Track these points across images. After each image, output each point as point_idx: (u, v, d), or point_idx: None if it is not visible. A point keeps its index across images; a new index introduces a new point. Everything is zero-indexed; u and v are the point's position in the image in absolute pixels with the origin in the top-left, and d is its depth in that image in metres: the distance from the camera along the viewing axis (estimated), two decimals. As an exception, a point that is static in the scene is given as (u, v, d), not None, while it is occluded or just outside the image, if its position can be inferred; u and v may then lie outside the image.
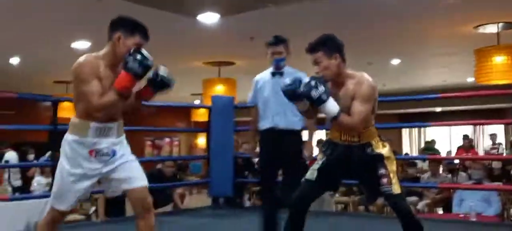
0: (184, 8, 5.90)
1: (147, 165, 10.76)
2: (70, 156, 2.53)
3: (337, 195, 7.92)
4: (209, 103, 7.66)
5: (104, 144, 2.54)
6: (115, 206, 5.34)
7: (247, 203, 7.53)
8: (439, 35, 7.38)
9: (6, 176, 8.47)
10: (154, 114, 14.03)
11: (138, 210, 2.60)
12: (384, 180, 2.75)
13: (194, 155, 15.40)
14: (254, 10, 5.90)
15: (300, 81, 2.79)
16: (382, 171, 2.76)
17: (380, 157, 2.78)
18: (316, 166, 2.90)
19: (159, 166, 6.65)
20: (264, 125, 3.75)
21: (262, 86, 3.85)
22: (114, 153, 2.56)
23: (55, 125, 4.74)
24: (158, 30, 6.59)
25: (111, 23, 2.61)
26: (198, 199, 8.89)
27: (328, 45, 2.80)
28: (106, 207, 5.11)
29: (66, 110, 9.33)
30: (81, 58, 2.55)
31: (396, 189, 2.74)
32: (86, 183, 2.55)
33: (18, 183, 8.39)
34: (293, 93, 2.81)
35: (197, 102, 13.04)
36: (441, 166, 8.01)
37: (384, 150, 2.80)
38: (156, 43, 7.21)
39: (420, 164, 9.44)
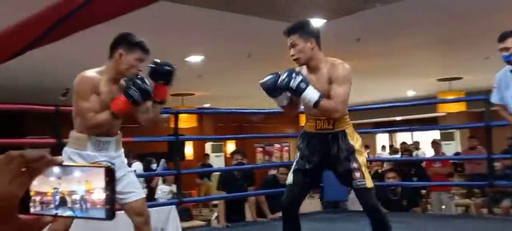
0: (290, 16, 5.99)
1: (258, 171, 11.03)
2: None
3: (456, 197, 7.55)
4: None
5: (103, 157, 2.61)
6: (234, 210, 5.53)
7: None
8: None
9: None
10: (263, 122, 14.35)
11: (137, 221, 2.65)
12: (357, 174, 2.77)
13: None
14: (361, 11, 5.83)
15: (278, 75, 2.81)
16: (354, 164, 2.77)
17: (352, 150, 2.77)
18: (292, 168, 2.95)
19: (272, 172, 6.77)
20: None
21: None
22: None
23: (177, 135, 5.03)
24: (265, 39, 6.80)
25: (113, 40, 2.65)
26: (310, 204, 8.91)
27: (304, 29, 2.84)
28: (226, 212, 5.31)
29: (183, 121, 9.87)
30: (83, 74, 2.61)
31: (369, 183, 2.78)
32: None
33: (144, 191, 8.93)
34: (272, 87, 2.84)
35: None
36: None
37: (357, 143, 2.81)
38: (264, 51, 7.47)
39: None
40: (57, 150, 4.71)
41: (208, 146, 13.76)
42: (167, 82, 2.70)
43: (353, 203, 6.84)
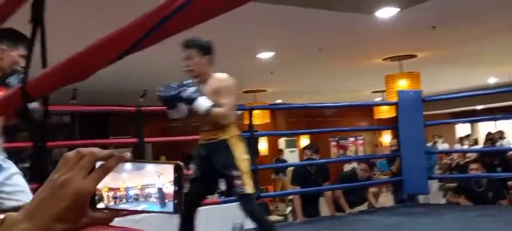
0: (361, 7, 5.89)
1: (333, 165, 10.90)
2: None
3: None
4: (392, 99, 7.52)
5: None
6: (309, 205, 5.53)
7: (442, 200, 7.17)
8: None
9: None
10: (337, 115, 14.20)
11: None
12: (237, 182, 3.02)
13: (383, 153, 15.15)
14: (436, -2, 5.63)
15: (174, 87, 3.05)
16: (234, 172, 3.02)
17: (232, 158, 3.04)
18: (189, 177, 3.24)
19: (350, 165, 6.70)
20: None
21: None
22: None
23: (252, 131, 5.10)
24: (336, 32, 6.73)
25: None
26: (387, 197, 8.72)
27: (202, 45, 3.13)
28: (303, 207, 5.32)
29: (257, 117, 9.97)
30: None
31: (249, 189, 3.01)
32: None
33: (223, 186, 9.13)
34: (168, 99, 3.06)
35: (378, 99, 12.82)
36: None
37: (238, 150, 3.06)
38: (335, 44, 7.40)
39: None
40: (139, 148, 4.94)
41: (281, 141, 13.81)
42: None
43: (435, 196, 6.64)
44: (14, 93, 0.97)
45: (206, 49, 3.15)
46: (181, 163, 0.69)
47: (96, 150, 0.65)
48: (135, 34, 0.68)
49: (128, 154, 0.66)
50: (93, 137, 4.34)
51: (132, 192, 0.68)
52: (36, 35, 0.89)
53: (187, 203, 3.19)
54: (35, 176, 0.79)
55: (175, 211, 0.68)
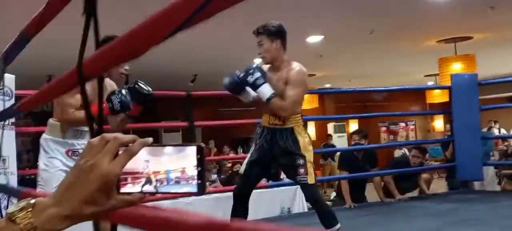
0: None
1: (383, 150, 10.67)
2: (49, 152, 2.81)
3: None
4: (446, 83, 7.29)
5: (81, 145, 2.82)
6: (357, 190, 5.46)
7: (497, 187, 6.93)
8: None
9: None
10: (387, 100, 13.93)
11: None
12: (301, 170, 3.01)
13: (436, 139, 14.80)
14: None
15: (238, 74, 3.03)
16: (300, 161, 3.01)
17: (298, 146, 3.02)
18: (247, 159, 3.21)
19: (400, 151, 6.55)
20: None
21: None
22: None
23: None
24: (388, 13, 6.57)
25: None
26: (439, 184, 8.51)
27: (271, 30, 3.07)
28: (351, 193, 5.25)
29: (305, 102, 9.91)
30: None
31: (311, 179, 3.00)
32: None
33: (283, 174, 9.17)
34: (235, 85, 3.04)
35: (430, 83, 12.47)
36: None
37: (304, 140, 3.05)
38: (387, 26, 7.23)
39: None
40: (189, 132, 5.01)
41: (330, 127, 13.70)
42: (142, 104, 2.81)
43: (490, 183, 6.42)
44: (71, 74, 0.99)
45: (275, 34, 3.10)
46: (203, 145, 0.71)
47: (119, 135, 0.67)
48: (191, 5, 0.68)
49: (150, 139, 0.69)
50: (143, 121, 4.42)
51: (154, 176, 0.69)
52: (89, 27, 0.91)
53: (243, 184, 3.27)
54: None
55: (200, 191, 0.69)
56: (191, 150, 0.70)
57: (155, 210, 0.87)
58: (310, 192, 3.10)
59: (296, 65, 3.12)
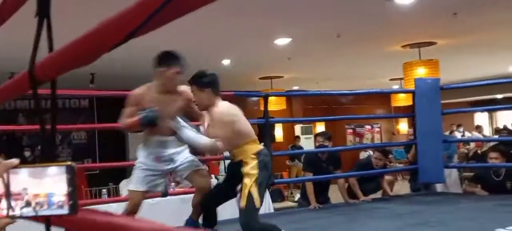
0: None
1: (350, 153, 10.81)
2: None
3: None
4: (410, 87, 7.44)
5: (166, 153, 3.34)
6: (321, 192, 5.51)
7: (459, 190, 7.10)
8: None
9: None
10: (353, 103, 14.11)
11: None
12: (238, 194, 3.21)
13: (399, 142, 15.06)
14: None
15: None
16: (239, 186, 3.18)
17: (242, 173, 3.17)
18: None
19: (366, 153, 6.65)
20: None
21: None
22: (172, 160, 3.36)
23: (267, 118, 5.08)
24: (355, 18, 6.65)
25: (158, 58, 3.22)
26: (403, 186, 8.67)
27: (201, 82, 3.19)
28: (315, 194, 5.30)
29: (273, 104, 9.96)
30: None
31: (242, 202, 3.11)
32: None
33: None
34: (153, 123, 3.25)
35: (395, 87, 12.70)
36: None
37: (247, 167, 3.15)
38: (353, 31, 7.32)
39: None
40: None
41: (297, 128, 13.80)
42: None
43: (454, 185, 6.57)
44: (22, 77, 0.97)
45: (206, 85, 3.21)
46: (73, 164, 0.69)
47: None
48: (144, 12, 0.68)
49: (16, 160, 0.68)
50: (111, 121, 4.35)
51: (25, 198, 0.68)
52: (41, 29, 0.90)
53: (211, 196, 3.43)
54: (42, 161, 0.80)
55: (72, 212, 0.68)
56: (61, 170, 0.68)
57: (95, 214, 0.86)
58: (241, 215, 3.15)
59: (216, 109, 3.19)
